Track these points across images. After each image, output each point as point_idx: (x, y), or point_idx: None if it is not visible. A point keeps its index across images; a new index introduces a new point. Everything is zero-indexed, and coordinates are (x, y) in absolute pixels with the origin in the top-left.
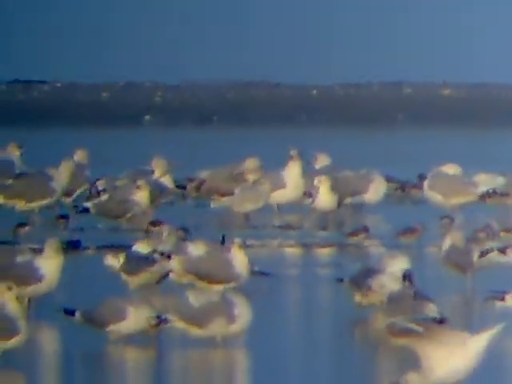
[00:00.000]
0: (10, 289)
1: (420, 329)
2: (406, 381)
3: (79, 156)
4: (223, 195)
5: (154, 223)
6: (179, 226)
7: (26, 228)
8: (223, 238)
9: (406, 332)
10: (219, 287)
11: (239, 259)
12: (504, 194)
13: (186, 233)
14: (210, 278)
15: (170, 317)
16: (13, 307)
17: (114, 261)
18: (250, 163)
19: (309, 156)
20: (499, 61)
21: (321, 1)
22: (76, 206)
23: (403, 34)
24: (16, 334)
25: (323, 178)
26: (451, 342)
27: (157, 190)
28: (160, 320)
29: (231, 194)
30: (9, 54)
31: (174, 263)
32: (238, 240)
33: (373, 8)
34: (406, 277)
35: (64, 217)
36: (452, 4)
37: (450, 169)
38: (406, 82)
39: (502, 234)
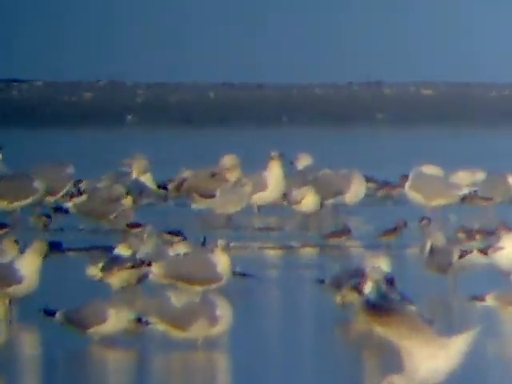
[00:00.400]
0: None
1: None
2: (389, 383)
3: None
4: (204, 196)
5: (133, 225)
6: (170, 230)
7: (6, 229)
8: (204, 239)
9: (382, 311)
10: (201, 289)
11: (222, 261)
12: (485, 199)
13: (180, 236)
14: (191, 280)
15: (151, 319)
16: None
17: (95, 270)
18: (228, 160)
19: (290, 156)
20: (476, 60)
21: (301, 5)
22: (55, 207)
23: (382, 33)
24: None
25: (307, 189)
26: (433, 341)
27: (137, 191)
28: (141, 322)
29: (212, 194)
30: None
31: (155, 269)
32: (221, 242)
33: (351, 11)
34: (388, 281)
35: (47, 216)
36: (428, 6)
37: (430, 170)
38: (385, 81)
39: (478, 235)
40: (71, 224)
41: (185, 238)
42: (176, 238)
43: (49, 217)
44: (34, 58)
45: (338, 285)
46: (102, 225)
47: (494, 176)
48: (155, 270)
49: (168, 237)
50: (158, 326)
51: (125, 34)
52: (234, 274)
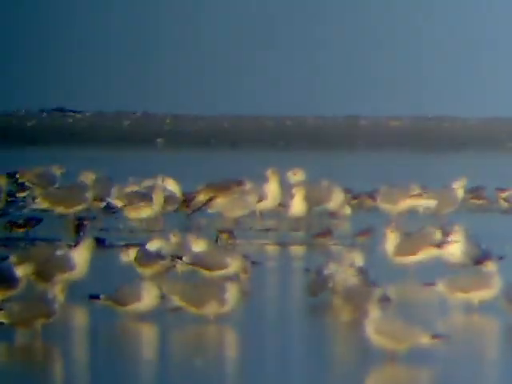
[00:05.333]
0: (55, 282)
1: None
2: (368, 309)
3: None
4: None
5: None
6: (222, 229)
7: (86, 224)
8: (217, 238)
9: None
10: (217, 274)
11: (231, 255)
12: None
13: (231, 233)
14: (209, 268)
15: (174, 298)
16: (53, 293)
17: (127, 256)
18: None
19: (285, 173)
20: (433, 98)
21: (295, 50)
22: (105, 207)
23: (360, 77)
24: (53, 314)
25: (299, 188)
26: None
27: (166, 197)
28: (165, 300)
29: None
30: (49, 87)
31: (185, 259)
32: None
33: (338, 61)
34: (360, 270)
35: (86, 219)
36: (393, 57)
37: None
38: (362, 115)
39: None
40: (113, 225)
41: (234, 236)
42: (226, 235)
43: (91, 219)
44: (85, 93)
45: (319, 274)
46: (136, 226)
47: (445, 189)
48: (185, 260)
49: (220, 234)
50: (179, 303)
51: (156, 75)
52: (247, 261)
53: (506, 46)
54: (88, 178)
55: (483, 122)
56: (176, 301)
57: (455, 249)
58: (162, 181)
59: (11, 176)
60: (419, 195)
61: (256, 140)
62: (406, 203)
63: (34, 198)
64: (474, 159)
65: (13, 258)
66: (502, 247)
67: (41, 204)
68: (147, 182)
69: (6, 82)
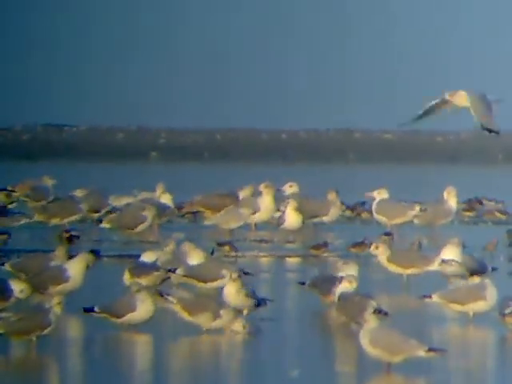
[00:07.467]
0: (51, 294)
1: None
2: (365, 320)
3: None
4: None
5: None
6: (221, 241)
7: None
8: (213, 250)
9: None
10: (211, 286)
11: (225, 267)
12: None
13: (231, 245)
14: (204, 280)
15: (171, 299)
16: (49, 304)
17: (128, 279)
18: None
19: (279, 186)
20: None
21: (289, 63)
22: (98, 220)
23: (353, 90)
24: (49, 325)
25: (291, 200)
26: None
27: (160, 209)
28: (162, 297)
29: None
30: (44, 101)
31: (179, 272)
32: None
33: (331, 77)
34: (355, 281)
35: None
36: (390, 68)
37: (381, 193)
38: (355, 128)
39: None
40: (107, 236)
41: (235, 248)
42: (226, 248)
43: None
44: (79, 107)
45: (315, 286)
46: (130, 236)
47: (440, 202)
48: (179, 273)
49: (219, 247)
50: (174, 306)
51: (150, 89)
52: (242, 272)
53: (495, 59)
54: (81, 192)
55: (475, 134)
56: (173, 303)
57: (451, 260)
58: (161, 192)
59: (6, 191)
60: (417, 209)
61: (250, 153)
62: (401, 216)
63: (28, 212)
64: (466, 172)
65: (8, 269)
66: (496, 259)
67: (37, 218)
68: (145, 194)
69: (1, 97)
